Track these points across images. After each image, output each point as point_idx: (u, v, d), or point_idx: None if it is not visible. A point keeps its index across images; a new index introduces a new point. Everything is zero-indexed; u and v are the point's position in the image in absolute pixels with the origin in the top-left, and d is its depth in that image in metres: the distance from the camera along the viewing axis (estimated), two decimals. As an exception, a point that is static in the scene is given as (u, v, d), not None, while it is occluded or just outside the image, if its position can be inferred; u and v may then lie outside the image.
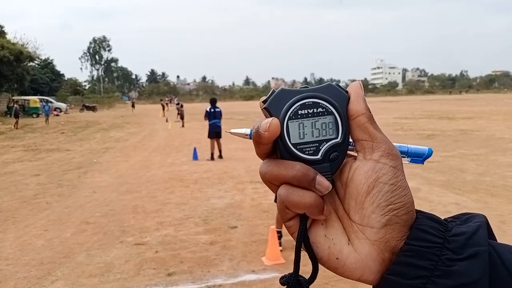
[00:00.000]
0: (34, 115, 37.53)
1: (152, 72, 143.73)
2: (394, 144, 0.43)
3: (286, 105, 0.42)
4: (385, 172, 0.40)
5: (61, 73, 79.52)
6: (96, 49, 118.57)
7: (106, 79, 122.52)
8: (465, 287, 0.36)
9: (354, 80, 0.46)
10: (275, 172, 0.41)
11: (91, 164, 11.74)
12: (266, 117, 0.42)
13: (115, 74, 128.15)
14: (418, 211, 0.42)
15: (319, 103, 0.42)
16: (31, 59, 44.67)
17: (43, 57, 62.53)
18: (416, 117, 27.26)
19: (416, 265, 0.38)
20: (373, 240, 0.40)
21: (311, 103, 0.42)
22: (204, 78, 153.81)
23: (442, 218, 0.42)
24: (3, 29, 42.61)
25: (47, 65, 72.26)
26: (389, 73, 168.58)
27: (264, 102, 0.43)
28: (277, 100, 0.42)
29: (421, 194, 7.26)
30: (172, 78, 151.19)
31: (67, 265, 4.73)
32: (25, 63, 42.60)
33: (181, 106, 28.14)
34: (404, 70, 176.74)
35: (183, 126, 24.47)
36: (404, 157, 0.44)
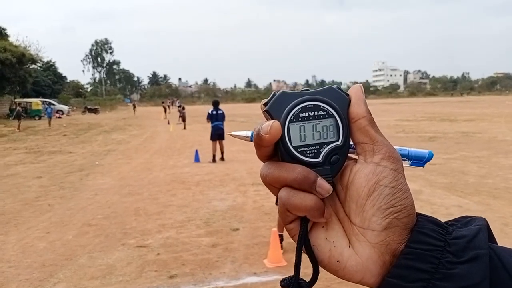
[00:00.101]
0: (36, 118, 37.62)
1: (154, 75, 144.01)
2: (395, 147, 0.43)
3: (287, 107, 0.42)
4: (385, 175, 0.40)
5: (63, 75, 79.77)
6: (98, 52, 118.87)
7: (108, 82, 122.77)
8: None
9: (355, 82, 0.46)
10: (276, 174, 0.41)
11: (93, 167, 11.76)
12: (267, 120, 0.42)
13: (117, 77, 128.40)
14: (418, 214, 0.42)
15: (320, 106, 0.42)
16: (34, 61, 44.76)
17: (45, 60, 62.74)
18: (418, 119, 27.23)
19: (417, 268, 0.38)
20: (374, 243, 0.40)
21: (312, 106, 0.42)
22: (205, 80, 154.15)
23: (443, 221, 0.43)
24: (5, 31, 42.74)
25: (49, 67, 72.49)
26: (391, 75, 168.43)
27: (265, 104, 0.43)
28: (278, 103, 0.42)
29: (423, 196, 7.24)
30: (174, 81, 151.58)
31: (69, 267, 4.73)
32: (27, 66, 42.69)
33: (183, 108, 28.18)
34: (406, 72, 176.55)
35: (184, 128, 24.50)
36: (404, 160, 0.44)
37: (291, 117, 0.42)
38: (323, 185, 0.40)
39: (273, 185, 0.42)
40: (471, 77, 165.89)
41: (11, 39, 43.59)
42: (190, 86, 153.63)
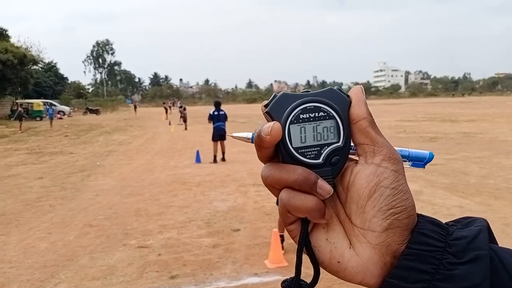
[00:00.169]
0: (38, 118, 37.67)
1: (155, 75, 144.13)
2: (396, 148, 0.43)
3: (288, 109, 0.42)
4: (386, 176, 0.40)
5: (64, 76, 79.88)
6: (99, 53, 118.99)
7: (109, 82, 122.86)
8: None
9: (357, 83, 0.46)
10: (276, 176, 0.41)
11: (94, 167, 11.77)
12: (268, 121, 0.42)
13: (118, 78, 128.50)
14: (419, 215, 0.42)
15: (321, 107, 0.42)
16: (35, 62, 44.84)
17: (46, 61, 62.92)
18: (419, 119, 27.20)
19: (418, 269, 0.38)
20: (375, 244, 0.40)
21: (312, 107, 0.42)
22: (207, 81, 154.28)
23: (444, 222, 0.43)
24: (6, 32, 42.82)
25: (51, 68, 72.61)
26: (392, 76, 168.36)
27: (266, 106, 0.43)
28: (278, 104, 0.42)
29: (424, 197, 7.24)
30: (175, 81, 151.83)
31: (70, 268, 4.74)
32: (28, 67, 42.77)
33: (184, 109, 28.19)
34: (407, 73, 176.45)
35: (186, 129, 24.52)
36: (405, 161, 0.44)
37: (291, 118, 0.42)
38: (324, 186, 0.40)
39: (274, 187, 0.42)
40: (472, 78, 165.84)
41: (12, 40, 43.69)
42: (191, 87, 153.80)
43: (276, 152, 0.42)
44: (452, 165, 10.24)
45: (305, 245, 0.43)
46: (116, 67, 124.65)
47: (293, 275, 0.43)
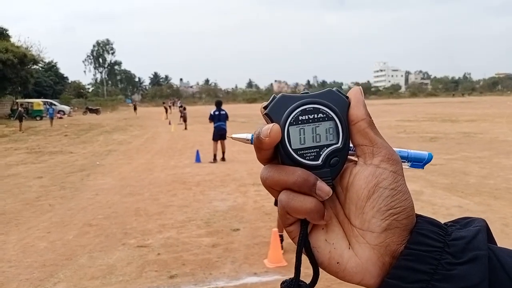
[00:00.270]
0: (38, 118, 37.68)
1: (155, 75, 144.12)
2: (395, 149, 0.43)
3: (287, 111, 0.42)
4: (385, 177, 0.40)
5: (64, 76, 79.90)
6: (100, 52, 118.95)
7: (110, 82, 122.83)
8: None
9: (357, 83, 0.47)
10: (276, 177, 0.42)
11: (94, 167, 11.77)
12: (267, 123, 0.42)
13: (118, 77, 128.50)
14: (418, 215, 0.42)
15: (320, 108, 0.42)
16: (35, 62, 44.85)
17: (46, 60, 62.86)
18: (419, 119, 27.21)
19: (416, 269, 0.38)
20: (374, 245, 0.41)
21: (311, 108, 0.42)
22: (207, 81, 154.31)
23: (443, 222, 0.43)
24: (7, 32, 42.82)
25: (51, 68, 72.60)
26: (392, 76, 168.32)
27: (265, 108, 0.43)
28: (277, 106, 0.43)
29: (424, 197, 7.24)
30: (175, 81, 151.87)
31: (69, 267, 4.74)
32: (29, 66, 42.79)
33: (184, 108, 28.20)
34: (407, 73, 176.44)
35: (186, 128, 24.52)
36: (404, 162, 0.44)
37: (291, 120, 0.42)
38: (323, 187, 0.41)
39: (273, 188, 0.42)
40: (472, 78, 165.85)
41: (13, 39, 43.70)
42: (191, 87, 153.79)
43: (275, 154, 0.42)
44: (452, 165, 10.24)
45: (304, 246, 0.43)
46: (116, 67, 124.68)
47: (292, 275, 0.44)
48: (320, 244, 0.43)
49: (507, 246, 0.42)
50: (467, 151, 12.55)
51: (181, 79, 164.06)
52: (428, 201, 6.98)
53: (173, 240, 5.49)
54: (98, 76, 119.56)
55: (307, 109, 0.42)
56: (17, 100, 40.87)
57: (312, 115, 0.42)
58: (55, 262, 4.88)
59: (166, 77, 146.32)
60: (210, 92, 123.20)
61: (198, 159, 12.05)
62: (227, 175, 9.84)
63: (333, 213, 0.44)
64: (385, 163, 0.41)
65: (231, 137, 0.48)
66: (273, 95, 0.43)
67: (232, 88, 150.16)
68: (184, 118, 26.11)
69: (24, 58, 39.31)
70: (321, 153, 0.42)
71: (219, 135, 11.86)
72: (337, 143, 0.42)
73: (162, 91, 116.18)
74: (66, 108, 47.41)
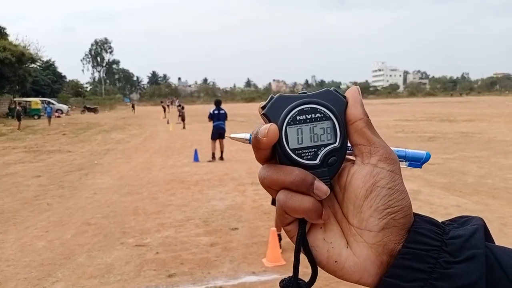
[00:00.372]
0: (36, 117, 37.62)
1: (154, 74, 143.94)
2: (393, 148, 0.44)
3: (285, 111, 0.42)
4: (382, 176, 0.40)
5: (62, 74, 79.79)
6: (98, 51, 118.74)
7: (108, 81, 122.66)
8: None
9: (355, 82, 0.47)
10: (274, 177, 0.42)
11: (92, 166, 11.75)
12: (265, 123, 0.42)
13: (116, 76, 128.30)
14: (415, 214, 0.42)
15: (317, 108, 0.42)
16: (33, 60, 44.75)
17: (45, 59, 62.68)
18: (417, 119, 27.25)
19: (414, 267, 0.38)
20: (371, 243, 0.41)
21: (309, 108, 0.42)
22: (205, 80, 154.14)
23: (440, 221, 0.43)
24: (5, 30, 42.71)
25: (49, 66, 72.43)
26: (390, 75, 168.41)
27: (263, 108, 0.43)
28: (275, 106, 0.43)
29: (422, 197, 7.25)
30: (173, 80, 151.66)
31: (67, 266, 4.73)
32: (27, 65, 42.68)
33: (182, 108, 28.18)
34: (405, 73, 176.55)
35: (184, 128, 24.50)
36: (402, 161, 0.45)
37: (288, 120, 0.42)
38: (321, 187, 0.41)
39: (271, 188, 0.43)
40: (470, 78, 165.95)
41: (11, 38, 43.57)
42: (189, 86, 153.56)
43: (273, 154, 0.43)
44: (450, 165, 10.26)
45: (302, 245, 0.43)
46: (114, 66, 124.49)
47: (291, 274, 0.44)
48: (318, 243, 0.43)
49: (505, 245, 0.42)
50: (465, 151, 12.58)
51: (179, 78, 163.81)
52: (426, 201, 6.99)
53: (171, 239, 5.49)
54: (96, 75, 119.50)
55: (304, 109, 0.42)
56: (15, 99, 40.77)
57: (310, 115, 0.42)
58: (53, 261, 4.87)
59: (164, 76, 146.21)
60: (208, 91, 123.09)
61: (196, 158, 12.04)
62: (225, 174, 9.84)
63: (331, 212, 0.44)
64: (383, 163, 0.41)
65: (230, 137, 0.48)
66: (270, 95, 0.44)
67: (231, 88, 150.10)
68: (182, 117, 26.08)
69: (22, 57, 39.21)
70: (318, 152, 0.42)
71: (218, 134, 11.86)
72: (334, 142, 0.42)
73: (160, 90, 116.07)
74: (64, 107, 47.33)
